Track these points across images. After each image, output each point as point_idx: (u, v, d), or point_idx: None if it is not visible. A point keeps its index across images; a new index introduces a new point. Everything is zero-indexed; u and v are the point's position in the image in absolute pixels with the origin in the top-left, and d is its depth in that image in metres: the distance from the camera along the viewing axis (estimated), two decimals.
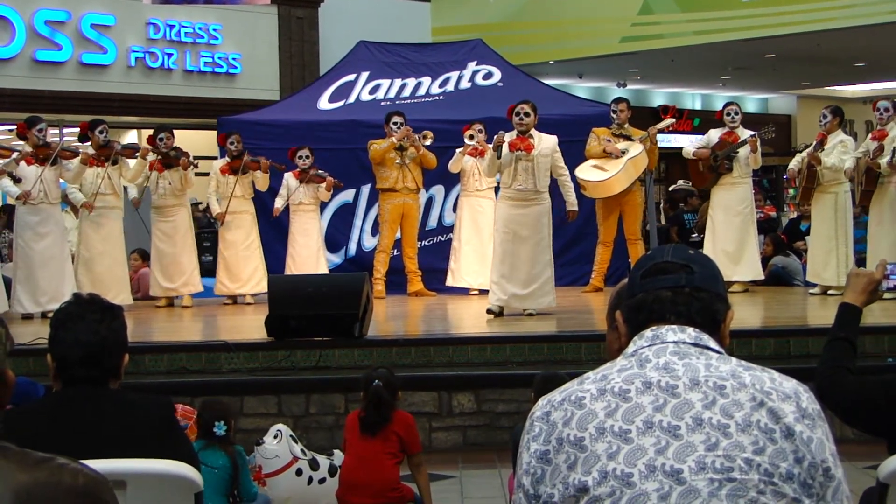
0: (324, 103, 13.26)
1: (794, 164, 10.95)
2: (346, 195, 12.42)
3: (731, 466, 1.96)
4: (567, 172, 9.48)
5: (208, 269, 12.19)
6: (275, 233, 11.92)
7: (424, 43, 16.51)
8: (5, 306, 9.70)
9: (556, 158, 9.28)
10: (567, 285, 11.72)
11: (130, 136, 18.03)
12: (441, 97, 13.36)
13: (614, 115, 11.39)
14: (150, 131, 11.79)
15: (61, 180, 10.34)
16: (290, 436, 6.39)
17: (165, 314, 10.73)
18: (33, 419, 3.08)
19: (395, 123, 11.28)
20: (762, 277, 11.34)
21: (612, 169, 10.92)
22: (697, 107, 24.79)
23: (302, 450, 6.35)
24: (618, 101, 11.64)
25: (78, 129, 10.94)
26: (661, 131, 11.39)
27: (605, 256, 11.55)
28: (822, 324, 7.82)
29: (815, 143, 10.64)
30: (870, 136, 10.49)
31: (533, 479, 2.08)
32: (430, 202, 12.54)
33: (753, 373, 2.09)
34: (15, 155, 9.78)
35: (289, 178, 11.39)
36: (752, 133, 10.97)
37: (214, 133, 12.49)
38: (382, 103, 13.00)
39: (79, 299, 3.30)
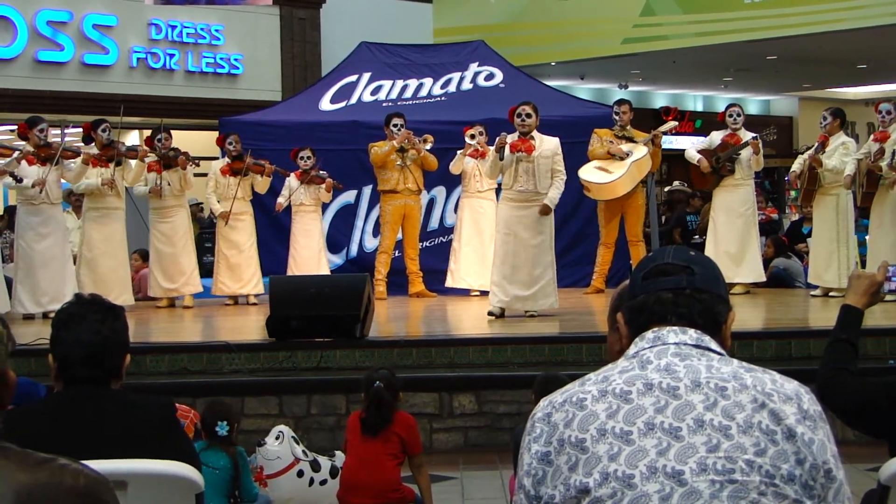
0: (325, 104, 13.26)
1: (796, 166, 10.95)
2: (348, 196, 12.43)
3: (732, 468, 1.96)
4: (563, 175, 9.42)
5: (210, 270, 12.19)
6: (276, 233, 11.92)
7: (426, 44, 16.51)
8: (7, 306, 9.70)
9: (557, 161, 9.28)
10: (568, 287, 11.71)
11: (132, 137, 18.04)
12: (443, 98, 13.36)
13: (616, 117, 11.39)
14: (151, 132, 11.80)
15: (62, 180, 10.35)
16: (292, 437, 6.39)
17: (166, 315, 10.73)
18: (35, 420, 3.08)
19: (395, 125, 11.28)
20: (764, 279, 11.34)
21: (617, 171, 10.92)
22: (699, 108, 24.79)
23: (303, 451, 6.35)
24: (620, 102, 11.65)
25: (81, 130, 10.94)
26: (664, 133, 11.39)
27: (606, 258, 11.56)
28: (824, 325, 7.82)
29: (816, 144, 10.64)
30: (871, 137, 10.48)
31: (534, 481, 2.08)
32: (431, 203, 12.55)
33: (755, 374, 2.09)
34: (16, 154, 9.78)
35: (290, 179, 11.41)
36: (754, 135, 10.97)
37: (216, 134, 12.48)
38: (384, 104, 13.01)
39: (80, 300, 3.30)
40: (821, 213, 10.74)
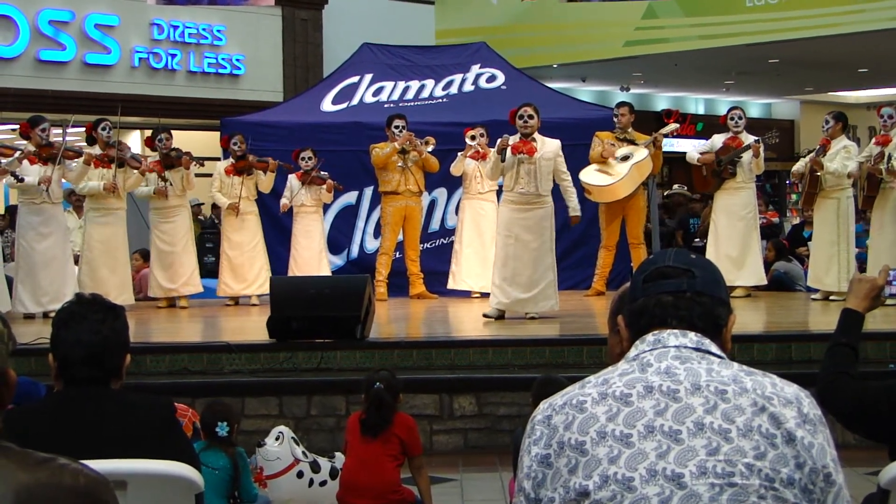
0: (327, 105, 13.27)
1: (799, 167, 10.96)
2: (349, 197, 12.44)
3: (732, 471, 1.96)
4: (569, 177, 9.48)
5: (211, 270, 12.19)
6: (277, 235, 11.93)
7: (428, 45, 16.52)
8: (7, 306, 9.70)
9: (559, 163, 9.28)
10: (569, 289, 11.73)
11: (134, 137, 18.04)
12: (444, 100, 13.37)
13: (615, 119, 11.40)
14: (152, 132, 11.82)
15: (63, 181, 10.36)
16: (292, 438, 6.39)
17: (167, 315, 10.73)
18: (35, 419, 3.08)
19: (396, 127, 11.30)
20: (765, 282, 11.34)
21: (617, 174, 10.93)
22: (701, 111, 24.79)
23: (303, 452, 6.36)
24: (619, 105, 11.67)
25: (83, 130, 10.95)
26: (666, 136, 11.39)
27: (607, 260, 11.56)
28: (824, 329, 7.82)
29: (818, 148, 10.65)
30: (873, 141, 10.49)
31: (534, 483, 2.08)
32: (432, 205, 12.55)
33: (755, 378, 2.09)
34: (17, 154, 9.78)
35: (292, 180, 11.42)
36: (756, 138, 10.97)
37: (218, 134, 12.49)
38: (386, 105, 13.02)
39: (81, 299, 3.31)
40: (821, 216, 10.74)
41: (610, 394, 2.09)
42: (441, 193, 12.57)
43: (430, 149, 11.46)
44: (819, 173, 10.46)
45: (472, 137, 11.37)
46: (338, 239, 12.46)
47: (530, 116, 9.16)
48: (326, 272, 11.38)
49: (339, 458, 6.28)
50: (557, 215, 9.56)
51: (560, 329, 8.92)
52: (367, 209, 12.59)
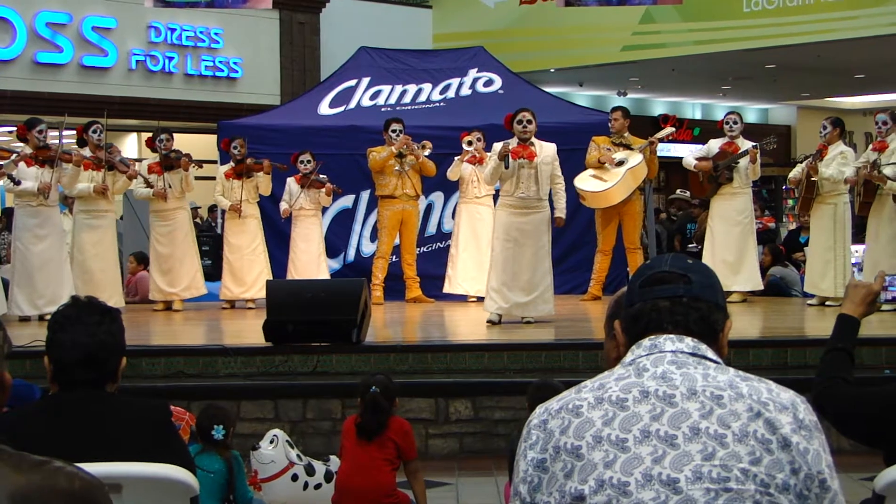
0: (324, 108, 13.27)
1: (796, 173, 10.95)
2: (346, 201, 12.44)
3: (727, 476, 1.96)
4: (562, 181, 9.49)
5: (207, 274, 12.18)
6: (276, 239, 11.92)
7: (425, 49, 16.55)
8: (3, 308, 9.69)
9: (556, 167, 9.31)
10: (565, 293, 11.73)
11: (130, 140, 18.04)
12: (441, 104, 13.37)
13: (609, 124, 11.40)
14: (150, 134, 11.85)
15: (58, 185, 10.36)
16: (287, 441, 6.39)
17: (163, 318, 10.73)
18: (30, 422, 3.08)
19: (393, 131, 11.30)
20: (761, 288, 11.35)
21: (611, 179, 10.93)
22: (698, 116, 24.83)
23: (298, 455, 6.35)
24: (612, 109, 11.67)
25: (74, 132, 10.97)
26: (662, 140, 11.40)
27: (603, 265, 11.56)
28: (820, 335, 7.83)
29: (815, 153, 10.65)
30: (870, 147, 10.51)
31: (530, 488, 2.08)
32: (429, 209, 12.55)
33: (751, 383, 2.10)
34: (14, 157, 9.78)
35: (291, 184, 11.40)
36: (754, 144, 10.97)
37: (215, 137, 12.49)
38: (383, 109, 13.02)
39: (77, 302, 3.30)
40: (818, 222, 10.75)
41: (606, 398, 2.09)
42: (438, 197, 12.57)
43: (426, 153, 11.45)
44: (815, 178, 10.47)
45: (469, 142, 11.37)
46: (334, 242, 12.45)
47: (529, 121, 9.16)
48: (325, 275, 11.36)
49: (335, 461, 6.28)
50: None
51: (556, 333, 8.92)
52: (364, 213, 12.59)
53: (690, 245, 14.32)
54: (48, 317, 3.46)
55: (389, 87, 13.56)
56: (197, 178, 11.47)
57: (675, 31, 17.19)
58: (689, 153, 11.52)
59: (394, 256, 11.78)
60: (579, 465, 2.02)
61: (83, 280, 10.23)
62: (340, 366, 7.86)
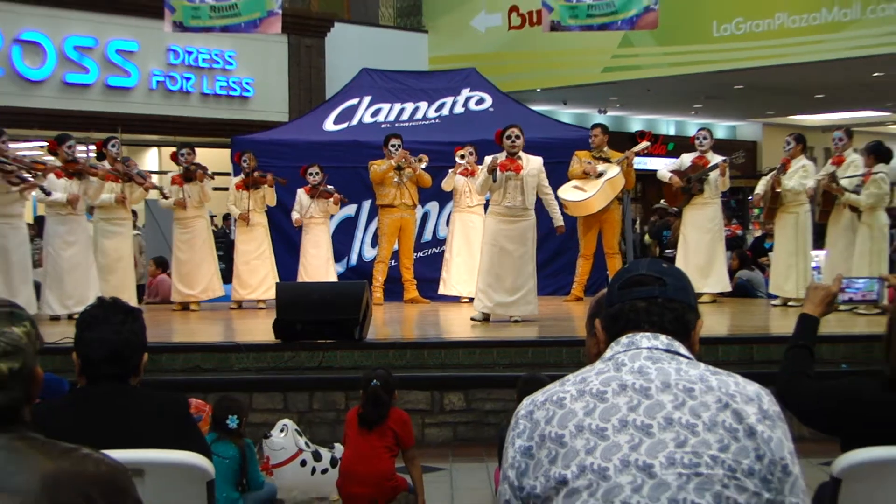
0: (329, 125, 13.26)
1: (760, 188, 10.97)
2: (349, 210, 12.43)
3: (698, 462, 1.97)
4: (551, 192, 9.51)
5: (223, 276, 12.16)
6: (286, 246, 11.93)
7: (422, 71, 16.56)
8: (35, 308, 9.68)
9: (542, 178, 9.31)
10: (550, 295, 11.74)
11: (151, 154, 18.02)
12: (437, 121, 13.37)
13: (591, 140, 11.41)
14: (170, 149, 11.88)
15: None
16: (296, 430, 6.39)
17: (180, 317, 10.72)
18: (60, 413, 3.08)
19: (393, 145, 11.30)
20: (729, 289, 11.34)
21: (591, 189, 10.95)
22: (672, 133, 24.83)
23: (306, 443, 6.35)
24: (592, 126, 11.67)
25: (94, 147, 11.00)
26: (637, 154, 11.40)
27: (585, 269, 11.56)
28: (783, 332, 7.81)
29: (779, 167, 10.67)
30: (829, 161, 10.53)
31: (517, 473, 2.09)
32: (425, 217, 12.55)
33: (720, 377, 2.10)
34: (45, 169, 9.78)
35: (301, 195, 11.39)
36: (723, 158, 10.98)
37: (228, 151, 12.49)
38: (383, 125, 13.01)
39: (102, 303, 3.31)
40: (781, 229, 10.76)
41: (587, 391, 2.09)
42: (433, 207, 12.57)
43: (423, 165, 11.45)
44: (779, 190, 10.49)
45: (462, 156, 11.38)
46: (339, 248, 12.44)
47: (517, 137, 9.18)
48: (334, 278, 11.34)
49: (339, 448, 6.28)
50: (540, 227, 9.58)
51: (541, 331, 8.92)
52: (366, 221, 12.58)
53: (667, 251, 14.34)
54: (76, 316, 3.45)
55: (389, 105, 13.55)
56: (215, 188, 11.47)
57: (651, 55, 17.20)
58: (663, 166, 11.52)
59: (393, 261, 11.77)
60: (563, 451, 2.03)
61: (104, 282, 10.23)
62: (344, 361, 7.86)
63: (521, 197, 9.16)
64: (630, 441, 2.00)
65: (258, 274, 11.31)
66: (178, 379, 7.52)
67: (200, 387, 7.19)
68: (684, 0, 15.87)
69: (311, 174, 11.33)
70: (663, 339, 2.18)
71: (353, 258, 12.67)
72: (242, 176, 11.33)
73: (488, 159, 9.21)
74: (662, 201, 16.35)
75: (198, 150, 11.53)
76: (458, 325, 9.79)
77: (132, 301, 10.11)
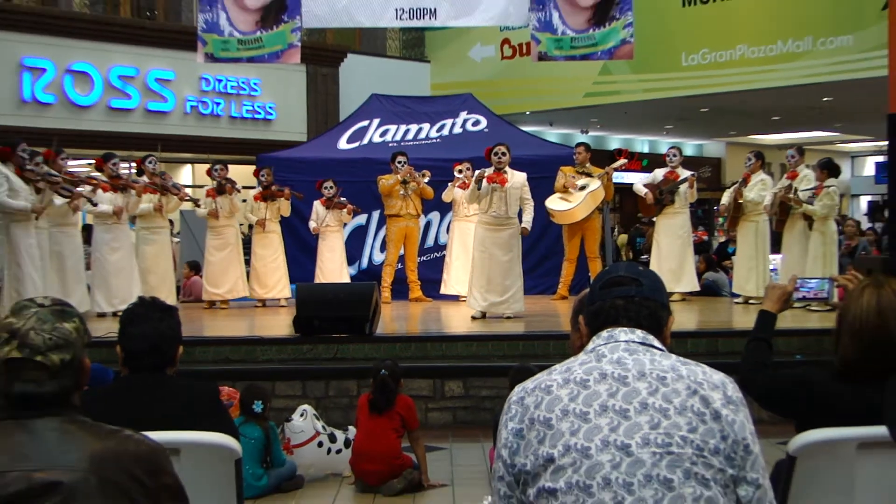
0: (343, 144, 13.27)
1: (724, 199, 10.98)
2: (360, 219, 12.42)
3: (670, 442, 1.97)
4: (531, 202, 9.49)
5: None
6: (303, 249, 11.92)
7: (425, 96, 16.55)
8: (88, 306, 9.73)
9: (525, 191, 9.34)
10: (539, 294, 11.74)
11: (186, 170, 18.03)
12: (438, 140, 13.37)
13: (575, 157, 11.42)
14: (203, 166, 11.92)
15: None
16: (314, 414, 6.39)
17: (210, 314, 10.71)
18: (105, 399, 3.09)
19: (399, 162, 11.30)
20: (697, 289, 11.34)
21: (575, 201, 10.96)
22: (646, 150, 24.81)
23: (323, 426, 6.36)
24: (577, 145, 11.67)
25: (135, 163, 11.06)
26: (616, 170, 11.39)
27: (569, 271, 11.55)
28: (745, 327, 7.83)
29: (740, 181, 10.69)
30: (785, 175, 10.53)
31: (510, 452, 2.09)
32: (428, 225, 12.54)
33: (689, 367, 2.11)
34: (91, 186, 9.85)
35: (317, 206, 11.38)
36: (691, 172, 10.99)
37: (254, 167, 12.49)
38: (390, 144, 13.01)
39: (143, 301, 3.32)
40: (743, 236, 10.77)
41: (572, 379, 2.10)
42: (435, 216, 12.56)
43: (426, 180, 11.45)
44: (741, 201, 10.51)
45: (460, 171, 11.37)
46: (351, 253, 12.43)
47: (503, 153, 9.21)
48: (347, 279, 11.34)
49: (352, 430, 6.28)
50: (531, 234, 9.58)
51: (531, 326, 8.92)
52: (375, 229, 12.58)
53: (643, 256, 14.38)
54: (120, 313, 3.46)
55: (396, 126, 13.56)
56: (242, 200, 11.49)
57: (627, 81, 17.22)
58: (639, 180, 11.52)
59: (399, 264, 11.77)
60: (550, 433, 2.03)
61: (144, 283, 10.25)
62: (356, 353, 7.86)
63: (504, 207, 9.19)
64: (610, 423, 2.00)
65: (274, 276, 11.32)
66: (209, 369, 7.52)
67: (229, 376, 7.20)
68: (656, 33, 15.87)
69: (326, 188, 11.33)
70: (639, 334, 2.19)
71: (364, 262, 12.66)
72: (260, 189, 11.34)
73: (478, 173, 9.28)
74: (640, 216, 16.40)
75: (230, 167, 11.54)
76: (457, 320, 9.79)
77: (170, 300, 10.10)
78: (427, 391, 7.61)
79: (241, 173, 14.22)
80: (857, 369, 2.93)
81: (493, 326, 8.89)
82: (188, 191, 11.41)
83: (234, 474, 3.05)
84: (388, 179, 11.34)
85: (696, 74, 16.57)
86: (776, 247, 10.79)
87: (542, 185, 10.85)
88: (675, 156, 11.19)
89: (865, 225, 19.93)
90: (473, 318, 9.35)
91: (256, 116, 17.10)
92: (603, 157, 12.94)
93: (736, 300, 10.95)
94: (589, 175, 11.19)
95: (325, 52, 17.73)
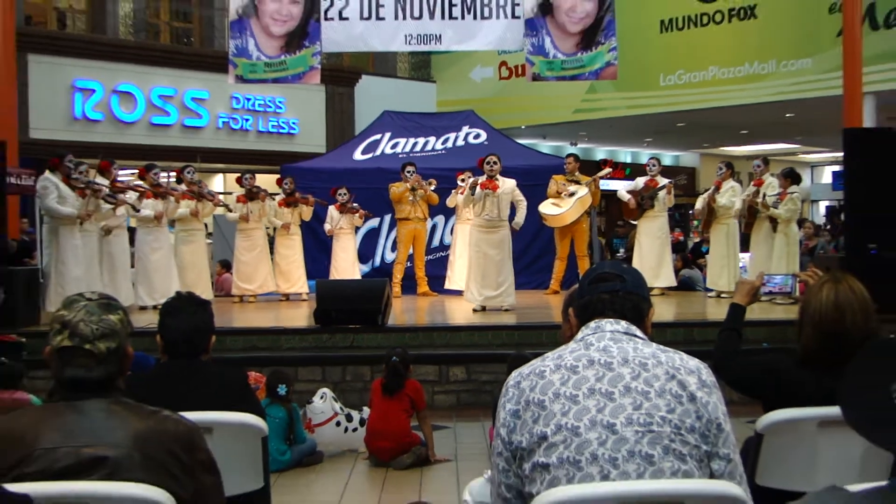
0: (358, 155, 13.26)
1: (699, 204, 10.99)
2: (373, 222, 12.42)
3: (650, 422, 1.97)
4: (524, 202, 9.55)
5: None
6: (320, 248, 11.93)
7: (431, 112, 16.54)
8: (132, 300, 9.75)
9: (516, 194, 9.39)
10: (533, 289, 11.73)
11: (218, 179, 18.05)
12: (443, 151, 13.36)
13: (565, 166, 11.41)
14: (233, 175, 11.97)
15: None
16: (332, 397, 6.40)
17: (240, 307, 10.72)
18: (147, 383, 3.09)
19: (408, 171, 11.30)
20: (675, 284, 11.33)
21: (565, 206, 10.95)
22: (629, 160, 24.71)
23: (340, 407, 6.36)
24: (567, 156, 11.68)
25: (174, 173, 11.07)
26: (602, 178, 11.39)
27: (560, 268, 11.54)
28: (717, 318, 7.75)
29: (713, 188, 10.67)
30: (752, 183, 10.52)
31: (507, 430, 2.08)
32: (434, 228, 12.52)
33: (668, 354, 2.10)
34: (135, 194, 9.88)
35: (332, 211, 11.38)
36: (669, 180, 10.98)
37: (278, 176, 12.50)
38: (400, 155, 13.00)
39: (180, 296, 3.32)
40: (716, 237, 10.76)
41: (563, 365, 2.09)
42: (440, 219, 12.55)
43: (432, 187, 11.45)
44: (713, 206, 10.50)
45: (463, 179, 11.35)
46: (365, 252, 12.44)
47: (494, 163, 9.26)
48: (358, 276, 11.34)
49: (366, 411, 6.28)
50: (524, 235, 9.57)
51: (526, 318, 8.91)
52: (387, 231, 12.57)
53: (617, 254, 14.52)
54: (160, 306, 3.46)
55: (405, 139, 13.55)
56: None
57: (612, 99, 17.21)
58: (622, 187, 11.52)
59: (408, 262, 11.76)
60: (543, 414, 2.03)
61: (181, 279, 10.25)
62: (370, 342, 7.87)
63: (496, 210, 9.20)
64: (597, 405, 2.00)
65: (296, 273, 11.34)
66: (239, 356, 7.52)
67: (257, 363, 7.19)
68: (637, 56, 15.84)
69: (340, 194, 11.34)
70: (623, 324, 2.18)
71: (377, 260, 12.66)
72: (283, 196, 11.34)
73: (470, 180, 9.33)
74: (621, 221, 16.42)
75: (256, 175, 11.56)
76: (460, 313, 9.78)
77: (206, 294, 10.10)
78: (433, 376, 7.61)
79: (266, 182, 14.25)
80: (817, 357, 2.92)
81: (492, 318, 8.88)
82: (221, 197, 11.40)
83: (261, 450, 3.05)
84: (398, 187, 11.34)
85: (672, 93, 16.56)
86: (745, 246, 10.77)
87: (536, 192, 10.84)
88: (654, 165, 11.18)
89: (824, 226, 19.86)
90: (475, 310, 9.35)
91: (281, 131, 17.10)
92: (590, 167, 12.92)
93: (709, 294, 10.93)
94: (578, 183, 11.19)
95: (342, 74, 17.73)
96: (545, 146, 20.72)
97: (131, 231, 10.51)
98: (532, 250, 12.05)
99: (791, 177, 10.07)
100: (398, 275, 11.56)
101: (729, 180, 10.62)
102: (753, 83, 15.51)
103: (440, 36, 10.52)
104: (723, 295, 10.44)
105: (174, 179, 11.07)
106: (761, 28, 15.36)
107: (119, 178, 10.30)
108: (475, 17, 10.51)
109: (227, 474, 2.27)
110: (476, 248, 9.31)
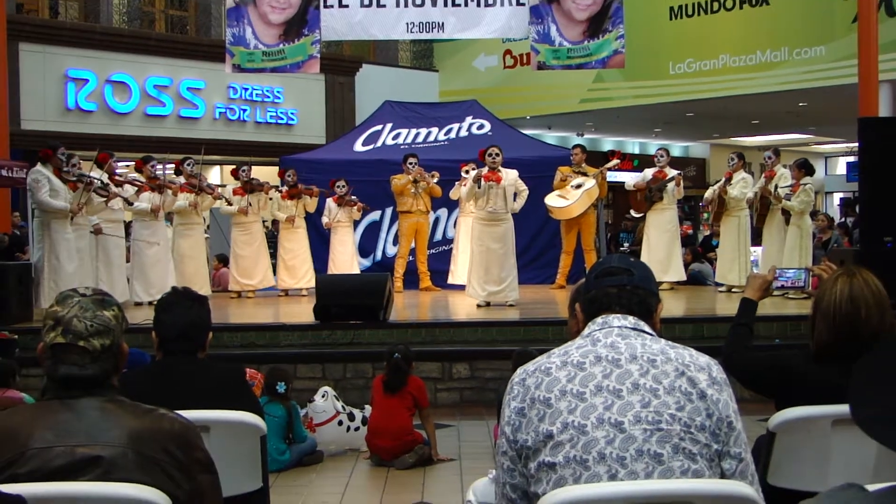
0: (358, 146, 13.26)
1: (709, 194, 10.97)
2: (375, 215, 12.42)
3: (659, 420, 1.96)
4: (525, 190, 9.53)
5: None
6: (319, 241, 11.93)
7: (433, 102, 16.52)
8: (127, 296, 9.76)
9: (518, 185, 9.38)
10: (539, 283, 11.73)
11: (215, 171, 18.06)
12: (445, 143, 13.34)
13: (572, 158, 11.40)
14: (230, 167, 11.94)
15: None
16: (334, 395, 6.40)
17: (238, 303, 10.72)
18: (142, 380, 3.09)
19: (410, 163, 11.29)
20: (684, 279, 11.31)
21: (571, 198, 10.93)
22: (636, 151, 24.70)
23: (342, 406, 6.36)
24: (574, 147, 11.65)
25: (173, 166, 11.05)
26: (609, 169, 11.37)
27: (567, 262, 11.53)
28: (728, 314, 7.80)
29: (723, 179, 10.65)
30: (763, 174, 10.50)
31: (513, 429, 2.08)
32: (437, 221, 12.52)
33: (677, 350, 2.10)
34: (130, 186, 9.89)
35: (330, 203, 11.39)
36: (678, 171, 10.96)
37: (277, 168, 12.51)
38: (402, 147, 12.99)
39: (176, 291, 3.32)
40: (726, 229, 10.74)
41: (569, 362, 2.09)
42: (443, 212, 12.55)
43: (435, 179, 11.44)
44: (725, 197, 10.48)
45: (466, 171, 11.32)
46: (366, 246, 12.44)
47: (496, 154, 9.25)
48: (356, 270, 11.35)
49: (368, 409, 6.28)
50: (529, 228, 9.55)
51: (531, 313, 8.92)
52: (388, 224, 12.57)
53: (622, 248, 14.52)
54: (156, 302, 3.46)
55: (407, 130, 13.54)
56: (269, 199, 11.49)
57: (620, 88, 17.19)
58: (630, 179, 11.49)
59: (410, 256, 11.76)
60: (549, 411, 2.02)
61: (180, 273, 10.26)
62: (371, 338, 7.86)
63: (501, 202, 9.19)
64: (604, 402, 2.00)
65: (303, 267, 11.33)
66: (236, 353, 7.53)
67: (255, 359, 7.19)
68: (646, 44, 15.81)
69: (338, 186, 11.33)
70: (631, 320, 2.18)
71: (379, 254, 12.66)
72: (286, 188, 11.33)
73: (473, 172, 9.28)
74: (631, 212, 16.40)
75: (253, 167, 11.55)
76: (463, 308, 9.78)
77: (205, 290, 10.11)
78: (436, 373, 7.61)
79: (265, 174, 14.24)
80: (831, 352, 2.91)
81: (496, 313, 8.88)
82: (220, 190, 11.39)
83: (259, 449, 3.05)
84: (400, 179, 11.33)
85: (682, 82, 16.53)
86: (756, 240, 10.76)
87: (542, 183, 10.83)
88: (663, 156, 11.16)
89: (839, 219, 19.84)
90: (479, 305, 9.35)
91: (279, 122, 17.11)
92: (597, 158, 12.90)
93: (720, 289, 10.92)
94: (584, 174, 11.16)
95: (342, 63, 17.72)
96: (551, 137, 20.70)
97: (127, 225, 10.52)
98: (537, 244, 12.05)
99: (804, 168, 10.04)
100: (400, 269, 11.56)
101: (740, 171, 10.60)
102: (765, 72, 15.48)
103: (443, 23, 10.50)
104: (734, 290, 10.41)
105: (172, 171, 11.07)
106: (773, 15, 15.32)
107: (117, 171, 10.30)
108: (479, 5, 10.49)
109: (225, 474, 2.27)
110: (479, 242, 9.30)
